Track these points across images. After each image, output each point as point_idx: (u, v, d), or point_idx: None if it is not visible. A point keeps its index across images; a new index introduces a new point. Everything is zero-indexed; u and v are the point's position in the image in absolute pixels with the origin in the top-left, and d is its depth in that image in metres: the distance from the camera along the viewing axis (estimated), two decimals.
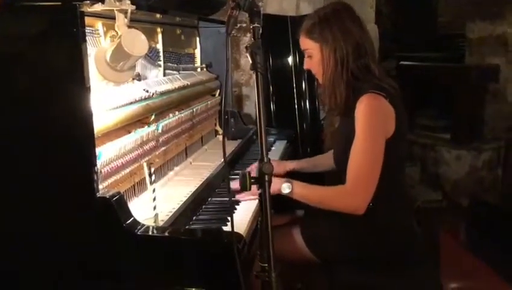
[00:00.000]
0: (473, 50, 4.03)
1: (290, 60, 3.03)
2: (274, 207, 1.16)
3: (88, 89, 1.24)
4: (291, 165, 2.09)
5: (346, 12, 1.70)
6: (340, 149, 1.72)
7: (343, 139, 1.70)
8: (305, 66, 1.78)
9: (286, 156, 2.42)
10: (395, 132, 1.62)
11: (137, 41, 1.38)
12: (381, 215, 1.68)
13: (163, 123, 1.82)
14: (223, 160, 2.02)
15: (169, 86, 1.91)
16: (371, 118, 1.60)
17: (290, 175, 1.95)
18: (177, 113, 1.97)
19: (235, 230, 1.20)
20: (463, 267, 1.90)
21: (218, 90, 2.56)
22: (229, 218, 1.53)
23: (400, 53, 4.49)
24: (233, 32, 1.17)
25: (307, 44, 1.73)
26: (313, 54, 1.72)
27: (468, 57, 4.07)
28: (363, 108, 1.60)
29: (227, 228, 1.47)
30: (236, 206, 1.68)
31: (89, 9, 1.28)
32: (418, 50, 4.54)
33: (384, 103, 1.61)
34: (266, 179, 1.08)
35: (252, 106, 3.43)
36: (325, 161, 2.06)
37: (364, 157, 1.59)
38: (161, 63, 2.03)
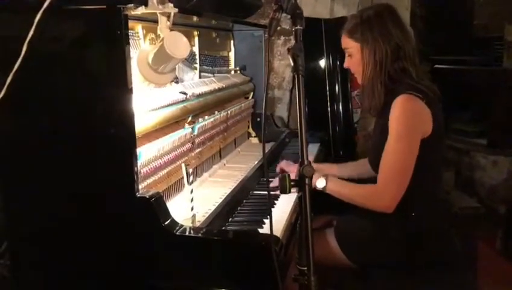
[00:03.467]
0: (511, 53, 3.92)
1: (323, 62, 3.02)
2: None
3: (130, 91, 1.26)
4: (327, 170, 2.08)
5: (389, 15, 1.72)
6: (377, 152, 1.71)
7: (379, 141, 1.69)
8: (345, 65, 1.81)
9: (319, 158, 2.41)
10: (433, 132, 1.62)
11: (179, 44, 1.39)
12: (417, 219, 1.68)
13: (199, 125, 1.84)
14: (256, 162, 2.04)
15: (205, 88, 1.93)
16: (405, 119, 1.60)
17: None
18: (212, 115, 1.99)
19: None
20: (499, 274, 1.87)
21: (252, 93, 2.57)
22: (265, 220, 1.55)
23: (435, 56, 4.39)
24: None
25: (348, 43, 1.76)
26: (353, 54, 1.75)
27: (507, 60, 3.95)
28: (398, 108, 1.60)
29: (263, 230, 1.47)
30: (272, 209, 1.68)
31: (132, 13, 1.31)
32: (453, 53, 4.43)
33: (420, 104, 1.61)
34: (306, 181, 1.08)
35: (284, 109, 3.43)
36: (360, 167, 2.03)
37: (396, 157, 1.60)
38: (197, 65, 2.05)
